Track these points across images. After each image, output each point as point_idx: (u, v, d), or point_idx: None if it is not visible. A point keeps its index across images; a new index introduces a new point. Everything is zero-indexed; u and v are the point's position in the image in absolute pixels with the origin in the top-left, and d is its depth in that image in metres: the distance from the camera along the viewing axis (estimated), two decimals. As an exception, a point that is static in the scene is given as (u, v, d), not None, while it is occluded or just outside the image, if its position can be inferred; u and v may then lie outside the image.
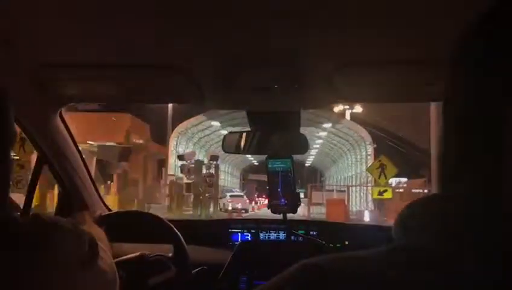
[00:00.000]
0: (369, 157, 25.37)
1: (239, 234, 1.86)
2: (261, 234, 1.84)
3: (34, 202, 1.59)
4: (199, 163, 21.23)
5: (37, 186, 1.63)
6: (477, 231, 0.35)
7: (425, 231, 0.38)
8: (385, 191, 11.69)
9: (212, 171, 21.04)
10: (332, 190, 28.27)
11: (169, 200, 20.47)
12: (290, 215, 1.66)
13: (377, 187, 12.26)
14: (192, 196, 20.43)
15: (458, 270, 0.34)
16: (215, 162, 21.44)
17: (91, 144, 18.46)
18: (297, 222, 1.90)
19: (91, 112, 17.92)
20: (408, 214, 0.41)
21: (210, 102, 1.42)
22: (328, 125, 27.47)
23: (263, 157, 1.64)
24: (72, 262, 0.74)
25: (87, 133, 16.93)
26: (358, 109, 23.92)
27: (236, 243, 1.76)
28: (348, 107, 24.09)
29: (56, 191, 1.95)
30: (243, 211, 22.69)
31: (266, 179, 1.62)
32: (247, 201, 26.61)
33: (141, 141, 21.13)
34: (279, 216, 1.65)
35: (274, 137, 1.58)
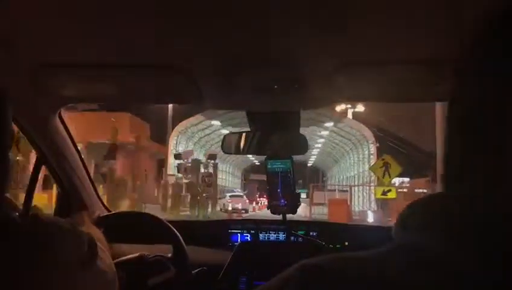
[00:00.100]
0: (371, 156, 25.30)
1: (238, 234, 1.87)
2: (261, 235, 1.85)
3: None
4: (196, 162, 20.88)
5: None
6: (477, 231, 0.35)
7: (426, 231, 0.38)
8: (389, 190, 11.50)
9: (210, 170, 20.73)
10: (335, 190, 28.13)
11: (163, 200, 20.22)
12: (289, 216, 1.67)
13: (380, 187, 12.07)
14: (189, 196, 20.17)
15: (458, 270, 0.34)
16: (213, 161, 21.12)
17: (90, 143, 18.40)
18: (297, 222, 1.90)
19: (90, 111, 17.92)
20: (409, 213, 0.42)
21: (210, 102, 1.42)
22: (330, 124, 27.39)
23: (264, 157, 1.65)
24: (71, 262, 0.75)
25: (86, 132, 16.93)
26: (360, 108, 23.87)
27: (235, 243, 1.77)
28: (350, 106, 24.05)
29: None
30: (243, 212, 22.59)
31: None
32: (247, 201, 26.50)
33: (131, 139, 20.75)
34: (279, 217, 1.66)
35: (274, 137, 1.59)
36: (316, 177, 47.81)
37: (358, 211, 21.89)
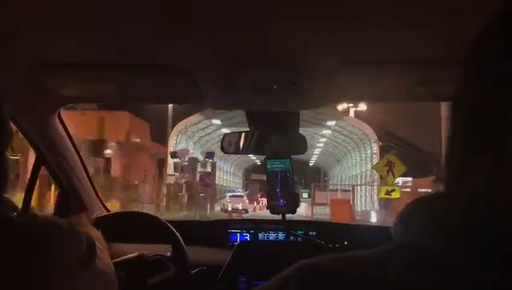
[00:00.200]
0: (374, 155, 25.25)
1: (238, 234, 1.88)
2: (260, 235, 1.86)
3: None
4: (193, 161, 20.49)
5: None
6: (477, 231, 0.35)
7: (426, 230, 0.38)
8: (393, 190, 11.25)
9: (208, 169, 20.34)
10: (337, 190, 28.05)
11: (156, 200, 19.94)
12: (289, 216, 1.67)
13: (384, 186, 11.79)
14: (186, 196, 19.86)
15: (458, 270, 0.34)
16: (211, 160, 20.74)
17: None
18: (297, 222, 1.91)
19: (89, 110, 17.86)
20: (409, 211, 0.42)
21: (209, 102, 1.43)
22: (332, 122, 27.34)
23: (266, 156, 1.66)
24: (70, 262, 0.76)
25: (85, 132, 16.88)
26: (362, 106, 23.79)
27: (235, 243, 1.78)
28: (352, 105, 23.97)
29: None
30: (243, 212, 22.51)
31: None
32: (247, 201, 26.43)
33: (133, 139, 20.46)
34: (279, 216, 1.67)
35: (273, 137, 1.60)
36: (317, 177, 47.76)
37: (360, 211, 21.84)
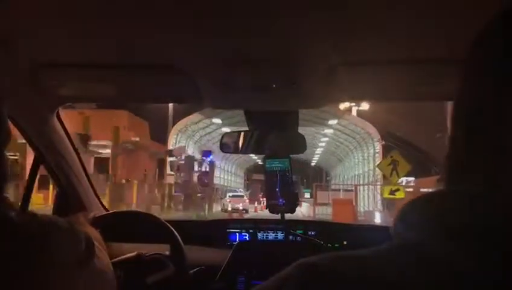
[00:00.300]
0: (377, 154, 25.21)
1: (237, 234, 1.89)
2: (259, 234, 1.88)
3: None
4: (190, 159, 20.13)
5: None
6: (477, 231, 0.35)
7: (426, 229, 0.39)
8: (397, 190, 11.02)
9: (204, 168, 20.01)
10: (339, 190, 28.02)
11: (146, 200, 19.57)
12: (288, 215, 1.69)
13: (388, 186, 11.54)
14: (183, 197, 19.55)
15: (458, 270, 0.35)
16: (208, 158, 20.43)
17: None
18: (296, 221, 1.92)
19: (87, 109, 17.82)
20: (410, 209, 0.42)
21: (209, 101, 1.43)
22: (333, 121, 27.28)
23: (267, 156, 1.66)
24: (69, 262, 0.76)
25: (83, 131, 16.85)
26: (365, 105, 23.73)
27: (234, 243, 1.79)
28: (354, 104, 23.91)
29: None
30: (244, 212, 22.44)
31: None
32: (247, 201, 26.40)
33: (132, 138, 20.06)
34: (278, 216, 1.68)
35: (272, 137, 1.61)
36: (319, 176, 47.76)
37: (363, 212, 21.80)
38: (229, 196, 26.00)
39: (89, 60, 1.18)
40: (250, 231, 1.89)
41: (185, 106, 21.60)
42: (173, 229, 1.53)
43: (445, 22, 0.90)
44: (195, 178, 20.29)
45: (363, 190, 25.27)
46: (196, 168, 20.37)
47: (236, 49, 1.07)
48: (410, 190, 16.73)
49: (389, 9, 0.86)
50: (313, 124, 26.96)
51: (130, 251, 1.48)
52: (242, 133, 1.66)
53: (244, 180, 50.56)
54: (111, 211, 1.77)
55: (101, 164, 20.77)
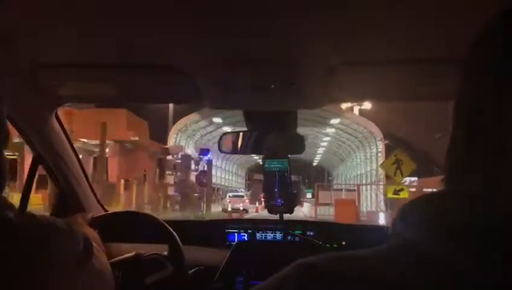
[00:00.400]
0: (379, 154, 25.18)
1: (236, 234, 1.90)
2: (258, 234, 1.89)
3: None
4: (187, 158, 19.78)
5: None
6: (477, 231, 0.36)
7: (426, 229, 0.39)
8: (401, 189, 10.75)
9: (201, 167, 19.64)
10: (341, 189, 27.96)
11: (136, 200, 19.34)
12: (288, 216, 1.70)
13: (392, 185, 11.23)
14: (179, 196, 19.19)
15: (458, 270, 0.35)
16: (206, 157, 20.08)
17: (84, 142, 18.11)
18: (294, 222, 1.93)
19: (85, 108, 17.78)
20: (410, 208, 0.42)
21: (208, 102, 1.44)
22: (335, 121, 27.24)
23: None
24: (67, 262, 0.76)
25: (81, 130, 16.80)
26: (367, 105, 23.66)
27: (233, 243, 1.81)
28: (356, 103, 23.84)
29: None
30: (244, 212, 22.38)
31: None
32: (247, 201, 26.37)
33: (131, 137, 19.80)
34: (277, 216, 1.70)
35: (271, 137, 1.62)
36: (321, 176, 47.71)
37: (366, 212, 21.76)
38: (229, 196, 26.00)
39: (89, 60, 1.18)
40: (249, 231, 1.90)
41: (185, 105, 21.50)
42: (171, 229, 1.54)
43: (445, 22, 0.91)
44: (192, 177, 20.06)
45: (366, 190, 25.23)
46: (193, 167, 20.08)
47: (236, 49, 1.07)
48: (413, 189, 16.68)
49: (389, 9, 0.86)
50: (315, 124, 26.93)
51: (129, 251, 1.48)
52: (241, 134, 1.67)
53: (246, 180, 50.50)
54: (109, 212, 1.78)
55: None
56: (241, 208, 23.08)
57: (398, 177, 10.91)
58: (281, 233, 1.87)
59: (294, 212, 1.74)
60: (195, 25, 0.95)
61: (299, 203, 30.40)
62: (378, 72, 1.20)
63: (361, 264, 0.39)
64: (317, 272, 0.39)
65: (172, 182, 20.79)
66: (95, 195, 1.88)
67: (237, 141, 1.69)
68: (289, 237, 1.85)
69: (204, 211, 19.94)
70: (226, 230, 1.92)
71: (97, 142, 18.33)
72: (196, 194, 19.93)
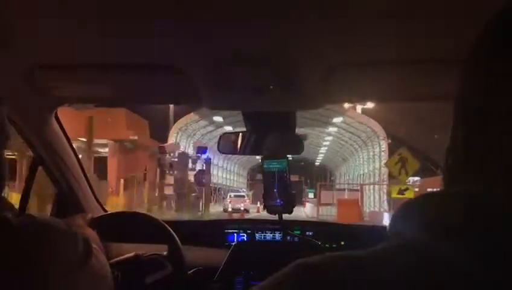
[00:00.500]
0: (383, 153, 25.10)
1: (235, 234, 1.92)
2: (257, 235, 1.90)
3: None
4: (184, 156, 19.31)
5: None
6: (477, 231, 0.36)
7: (426, 229, 0.39)
8: (406, 189, 10.54)
9: (199, 166, 19.25)
10: (344, 189, 27.84)
11: (126, 200, 19.04)
12: (288, 216, 1.71)
13: (396, 185, 11.05)
14: (175, 196, 18.77)
15: (458, 270, 0.35)
16: (204, 155, 19.60)
17: (83, 141, 18.08)
18: (293, 222, 1.94)
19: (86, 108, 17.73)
20: (409, 210, 0.42)
21: (207, 102, 1.44)
22: (338, 120, 27.15)
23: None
24: (66, 262, 0.78)
25: (80, 129, 16.75)
26: (369, 104, 23.58)
27: (232, 243, 1.82)
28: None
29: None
30: (245, 212, 22.31)
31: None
32: (247, 201, 26.32)
33: (130, 137, 19.42)
34: (276, 217, 1.71)
35: (270, 137, 1.62)
36: (323, 176, 47.61)
37: (368, 212, 21.66)
38: (230, 196, 25.99)
39: (89, 60, 1.19)
40: (248, 231, 1.92)
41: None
42: (171, 230, 1.55)
43: (445, 22, 0.91)
44: (191, 177, 19.70)
45: (369, 190, 25.15)
46: (190, 165, 19.73)
47: (236, 50, 1.07)
48: (417, 189, 16.64)
49: (389, 9, 0.87)
50: (317, 123, 26.87)
51: (128, 251, 1.50)
52: (240, 134, 1.69)
53: (247, 180, 50.39)
54: (109, 212, 1.80)
55: (100, 163, 20.76)
56: (242, 208, 23.05)
57: (403, 177, 10.74)
58: (280, 233, 1.88)
59: (296, 212, 1.75)
60: (194, 25, 0.96)
61: (301, 203, 30.34)
62: (378, 72, 1.20)
63: (361, 264, 0.39)
64: (316, 272, 0.39)
65: (172, 181, 20.68)
66: (95, 195, 1.89)
67: (236, 142, 1.70)
68: (288, 237, 1.86)
69: (203, 212, 19.75)
70: (226, 230, 1.93)
71: (98, 141, 18.23)
72: (194, 194, 19.72)
